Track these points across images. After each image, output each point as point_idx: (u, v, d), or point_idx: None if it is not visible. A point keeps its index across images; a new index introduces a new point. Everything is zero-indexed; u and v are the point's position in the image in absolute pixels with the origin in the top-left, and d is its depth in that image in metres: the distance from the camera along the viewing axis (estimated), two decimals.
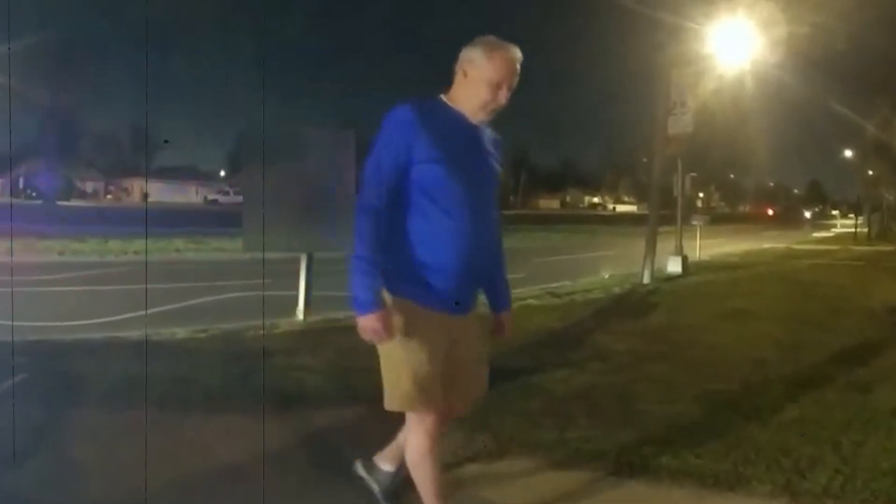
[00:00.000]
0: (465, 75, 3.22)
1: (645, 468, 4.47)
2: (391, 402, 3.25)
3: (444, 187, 3.12)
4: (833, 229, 57.22)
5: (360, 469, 3.85)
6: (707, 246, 24.00)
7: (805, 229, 56.17)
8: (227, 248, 19.91)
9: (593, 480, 4.31)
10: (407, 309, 3.14)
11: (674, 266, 17.05)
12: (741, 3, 18.02)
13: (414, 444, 3.33)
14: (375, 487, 3.77)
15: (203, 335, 7.94)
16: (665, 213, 17.95)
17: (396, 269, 3.15)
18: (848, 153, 60.39)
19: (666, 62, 16.66)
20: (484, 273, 3.38)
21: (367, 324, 3.07)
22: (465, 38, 3.22)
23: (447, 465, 4.03)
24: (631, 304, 11.80)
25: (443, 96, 3.29)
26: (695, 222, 22.95)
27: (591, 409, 5.59)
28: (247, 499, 3.94)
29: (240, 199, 12.54)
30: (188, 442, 4.76)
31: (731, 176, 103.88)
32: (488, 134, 3.37)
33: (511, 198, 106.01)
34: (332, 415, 5.43)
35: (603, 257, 20.17)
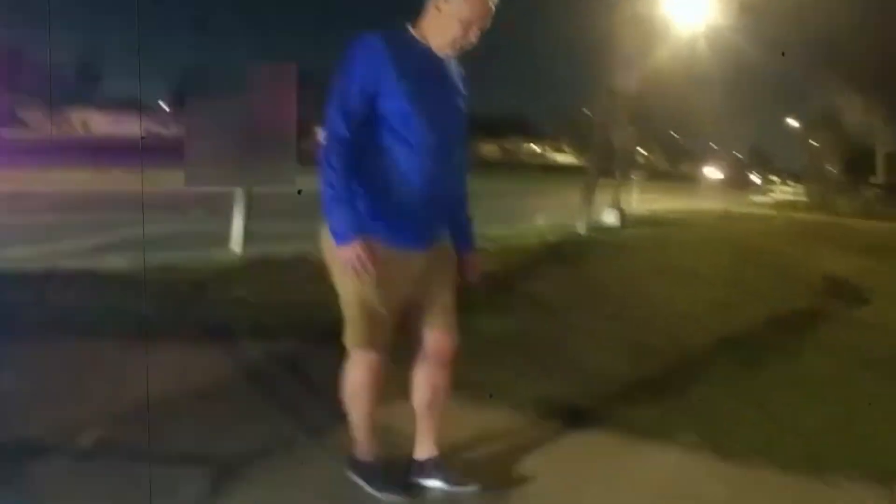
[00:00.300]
0: (439, 10, 3.25)
1: (570, 413, 4.72)
2: (346, 338, 3.42)
3: (410, 121, 3.17)
4: (772, 195, 58.61)
5: (419, 478, 3.73)
6: (645, 201, 24.57)
7: (747, 193, 57.45)
8: (167, 181, 19.63)
9: (518, 421, 4.54)
10: (369, 249, 3.17)
11: (610, 218, 17.46)
12: None
13: (354, 377, 3.47)
14: (444, 485, 3.69)
15: (140, 267, 7.83)
16: (605, 167, 18.23)
17: (364, 206, 3.20)
18: (793, 122, 61.96)
19: (617, 18, 16.88)
20: (448, 210, 3.47)
21: (350, 252, 3.12)
22: None
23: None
24: (564, 254, 12.09)
25: (410, 28, 3.32)
26: (633, 177, 23.42)
27: (521, 354, 5.83)
28: (183, 429, 4.08)
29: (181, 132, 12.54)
30: (116, 374, 4.79)
31: (676, 136, 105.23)
32: (455, 68, 3.43)
33: None
34: (266, 347, 5.57)
35: (540, 206, 20.36)
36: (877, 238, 21.87)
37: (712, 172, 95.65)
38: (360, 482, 3.58)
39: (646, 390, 5.29)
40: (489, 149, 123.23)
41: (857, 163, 60.29)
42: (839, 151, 60.53)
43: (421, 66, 3.24)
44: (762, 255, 14.80)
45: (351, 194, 3.15)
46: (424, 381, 3.62)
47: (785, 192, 55.12)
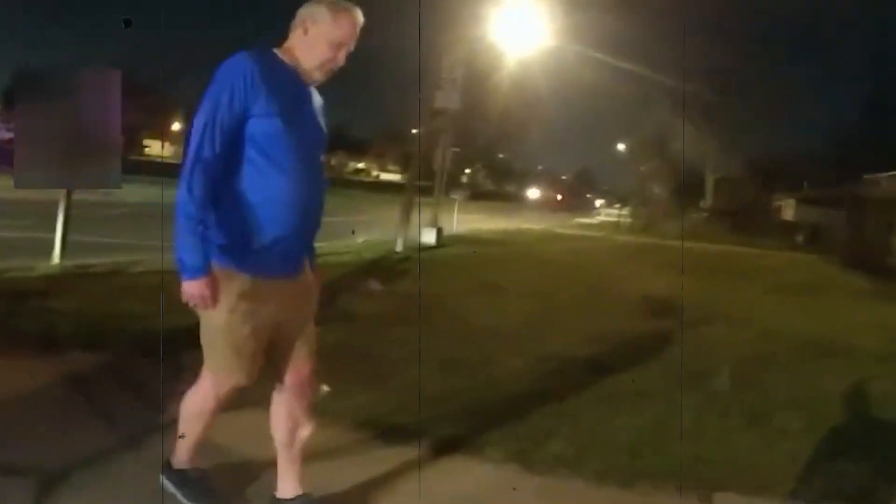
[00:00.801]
0: (306, 32, 3.32)
1: (378, 428, 4.84)
2: (206, 363, 3.45)
3: (279, 143, 3.21)
4: (597, 217, 61.13)
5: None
6: (467, 221, 25.40)
7: (572, 214, 59.71)
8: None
9: (328, 436, 4.52)
10: (236, 281, 3.23)
11: (428, 237, 17.91)
12: None
13: (200, 396, 3.51)
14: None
15: None
16: (427, 185, 18.64)
17: (228, 238, 3.23)
18: (621, 146, 65.26)
19: (442, 38, 17.41)
20: (312, 234, 3.54)
21: (193, 290, 3.15)
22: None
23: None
24: (381, 270, 12.41)
25: (276, 51, 3.37)
26: (454, 196, 24.25)
27: (333, 368, 5.78)
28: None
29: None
30: None
31: (500, 156, 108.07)
32: (316, 96, 3.50)
33: None
34: (80, 358, 5.80)
35: (360, 222, 20.77)
36: (701, 259, 23.19)
37: (537, 193, 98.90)
38: (174, 490, 3.63)
39: (455, 404, 5.41)
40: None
41: (686, 188, 63.83)
42: (668, 177, 63.99)
43: (288, 88, 3.29)
44: (580, 273, 15.57)
45: (203, 228, 3.15)
46: (286, 414, 3.62)
47: (611, 214, 57.50)
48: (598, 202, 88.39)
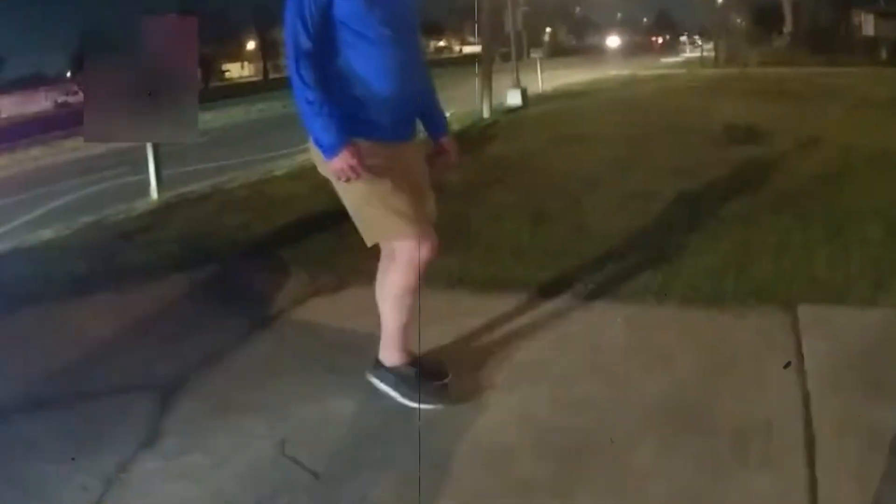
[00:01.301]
0: None
1: (473, 282, 5.02)
2: (377, 235, 3.46)
3: (370, 20, 3.23)
4: (682, 55, 59.36)
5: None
6: (553, 78, 24.93)
7: (656, 56, 58.21)
8: (81, 147, 20.52)
9: (426, 298, 4.62)
10: (361, 147, 3.23)
11: (513, 99, 17.71)
12: None
13: (399, 279, 3.46)
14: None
15: (68, 231, 8.19)
16: (505, 51, 18.39)
17: (341, 109, 3.23)
18: None
19: None
20: (419, 98, 3.54)
21: (340, 164, 3.18)
22: None
23: (294, 301, 5.09)
24: (469, 137, 12.40)
25: None
26: (534, 55, 23.83)
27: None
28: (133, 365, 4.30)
29: None
30: (65, 328, 5.01)
31: (577, 9, 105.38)
32: None
33: None
34: (200, 275, 5.96)
35: (449, 97, 20.57)
36: (782, 82, 22.37)
37: (617, 42, 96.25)
38: (389, 390, 3.57)
39: (545, 251, 5.52)
40: None
41: (765, 14, 61.41)
42: (745, 5, 61.58)
43: None
44: (663, 110, 15.20)
45: (328, 105, 3.18)
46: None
47: (695, 51, 55.75)
48: (682, 38, 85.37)
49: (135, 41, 8.47)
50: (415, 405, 3.46)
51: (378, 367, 3.62)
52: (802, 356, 3.78)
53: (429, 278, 4.78)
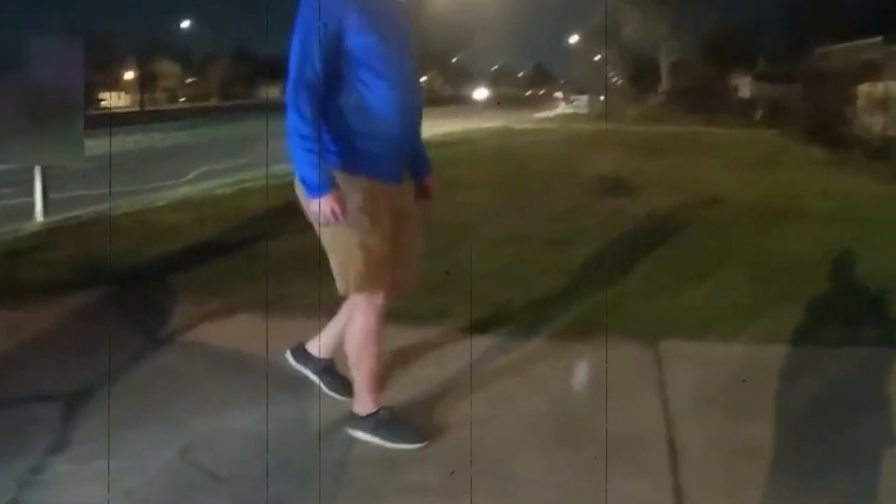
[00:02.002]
0: None
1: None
2: (346, 286, 3.55)
3: (378, 53, 3.38)
4: (555, 110, 61.27)
5: (291, 359, 4.10)
6: (426, 127, 25.39)
7: (530, 110, 59.89)
8: None
9: (311, 325, 5.04)
10: (359, 185, 3.38)
11: None
12: None
13: (362, 326, 3.63)
14: (315, 378, 4.04)
15: None
16: None
17: (342, 145, 3.39)
18: (575, 38, 65.58)
19: None
20: (416, 139, 3.73)
21: (322, 206, 3.26)
22: None
23: (186, 324, 5.40)
24: None
25: None
26: None
27: (307, 270, 6.33)
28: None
29: None
30: None
31: (454, 60, 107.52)
32: (403, 11, 3.71)
33: (232, 89, 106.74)
34: (93, 296, 6.23)
35: None
36: (657, 139, 23.90)
37: (494, 93, 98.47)
38: (370, 437, 3.67)
39: (422, 286, 5.93)
40: (272, 91, 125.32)
41: (642, 72, 64.10)
42: (622, 63, 64.20)
43: (380, 4, 3.49)
44: (535, 162, 15.96)
45: (320, 144, 3.29)
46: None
47: (569, 106, 57.77)
48: (557, 94, 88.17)
49: (19, 61, 8.57)
50: (398, 447, 3.63)
51: (354, 418, 3.76)
52: (665, 384, 4.39)
53: (310, 307, 5.15)
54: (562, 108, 62.68)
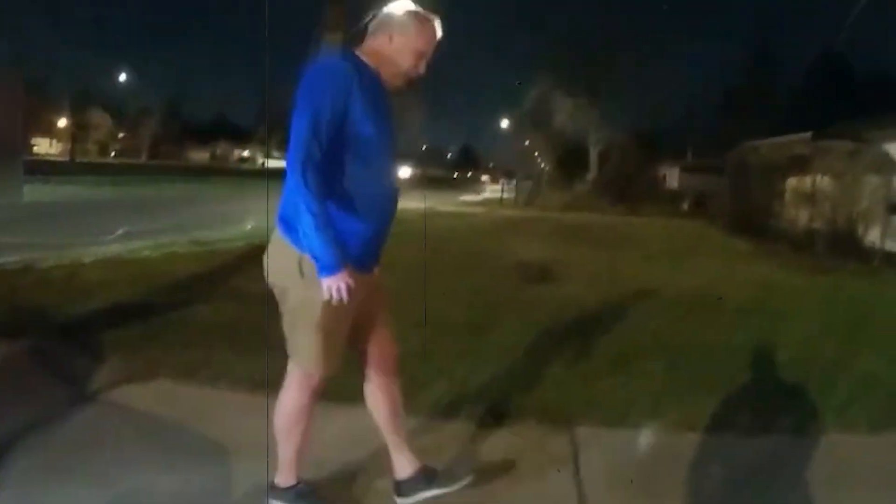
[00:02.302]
0: (391, 40, 3.66)
1: (275, 386, 5.40)
2: (295, 358, 3.72)
3: (374, 145, 3.50)
4: (482, 194, 61.99)
5: (407, 499, 4.11)
6: None
7: (456, 192, 60.62)
8: None
9: (231, 395, 5.47)
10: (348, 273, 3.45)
11: None
12: None
13: (294, 398, 3.77)
14: (437, 490, 4.10)
15: None
16: None
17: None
18: (505, 122, 66.86)
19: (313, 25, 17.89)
20: (389, 230, 3.79)
21: (335, 283, 3.36)
22: None
23: (109, 383, 5.56)
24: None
25: (360, 54, 3.65)
26: None
27: (231, 340, 6.76)
28: None
29: None
30: None
31: None
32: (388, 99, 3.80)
33: (161, 147, 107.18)
34: (17, 348, 6.43)
35: (248, 209, 21.44)
36: (581, 228, 24.57)
37: (421, 173, 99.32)
38: None
39: (346, 370, 6.09)
40: (199, 155, 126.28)
41: (571, 160, 65.39)
42: (550, 150, 65.44)
43: (376, 93, 3.56)
44: (457, 246, 16.22)
45: (331, 220, 3.37)
46: (383, 395, 4.06)
47: (495, 189, 58.50)
48: (484, 178, 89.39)
49: None
50: None
51: (275, 489, 3.90)
52: (578, 468, 4.57)
53: (231, 377, 5.73)
54: (488, 192, 63.41)
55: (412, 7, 3.71)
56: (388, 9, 3.72)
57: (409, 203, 34.97)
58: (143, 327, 7.04)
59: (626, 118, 60.64)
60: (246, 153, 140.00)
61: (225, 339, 6.81)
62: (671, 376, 6.46)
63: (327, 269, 3.35)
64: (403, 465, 4.11)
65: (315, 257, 3.37)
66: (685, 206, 44.63)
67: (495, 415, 5.33)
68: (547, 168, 65.75)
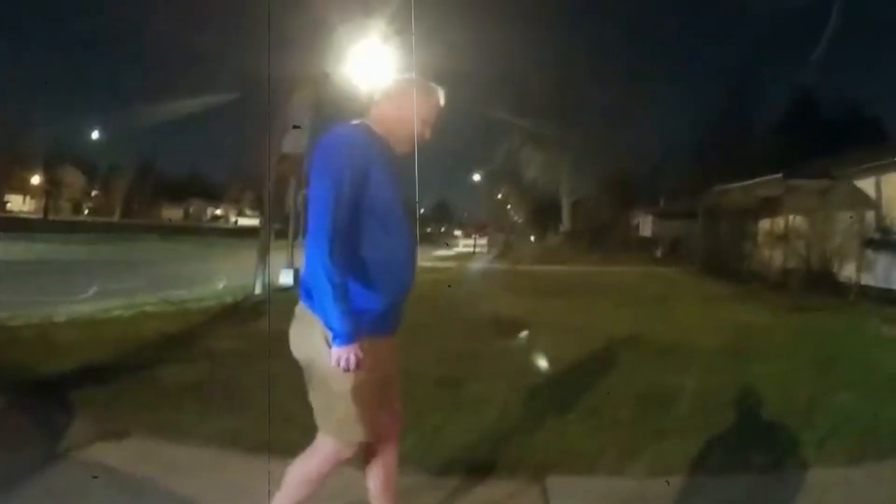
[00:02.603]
0: (399, 108, 3.78)
1: (244, 444, 5.70)
2: (329, 429, 3.72)
3: (393, 211, 3.57)
4: (455, 248, 62.11)
5: None
6: None
7: (429, 247, 60.71)
8: None
9: (200, 454, 5.51)
10: (362, 346, 3.48)
11: (285, 278, 18.44)
12: (371, 26, 20.32)
13: (319, 466, 3.78)
14: None
15: None
16: (284, 228, 19.41)
17: (352, 302, 3.47)
18: (477, 177, 67.44)
19: (286, 81, 18.08)
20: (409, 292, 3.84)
21: (345, 354, 3.40)
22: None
23: (82, 442, 5.58)
24: (241, 312, 13.18)
25: (369, 123, 3.76)
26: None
27: (200, 399, 6.85)
28: None
29: None
30: None
31: None
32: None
33: (135, 206, 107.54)
34: None
35: (220, 269, 21.63)
36: (554, 280, 24.73)
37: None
38: None
39: (310, 420, 6.10)
40: (172, 214, 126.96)
41: (544, 212, 65.80)
42: (522, 203, 65.91)
43: (390, 160, 3.66)
44: (430, 301, 16.21)
45: (348, 292, 3.42)
46: (382, 463, 4.05)
47: (468, 244, 58.76)
48: (457, 232, 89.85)
49: None
50: None
51: None
52: None
53: (201, 435, 5.77)
54: (461, 246, 63.60)
55: (416, 78, 3.87)
56: (393, 80, 3.90)
57: None
58: (114, 386, 7.05)
59: (598, 168, 61.10)
60: (219, 211, 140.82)
61: (195, 397, 6.86)
62: (643, 423, 6.47)
63: (340, 338, 3.39)
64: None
65: (330, 327, 3.41)
66: (659, 252, 44.89)
67: (467, 468, 5.31)
68: (520, 221, 66.18)
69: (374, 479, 4.08)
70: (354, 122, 3.76)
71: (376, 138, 3.65)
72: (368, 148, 3.53)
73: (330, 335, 3.45)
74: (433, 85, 3.88)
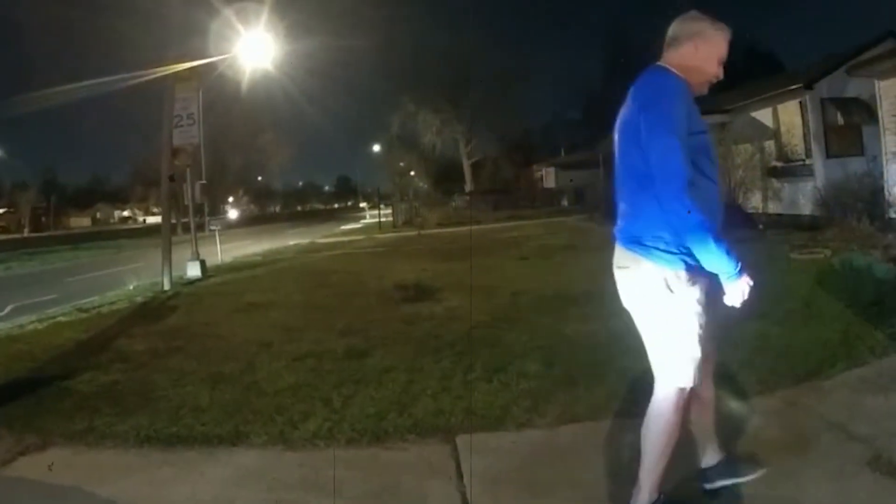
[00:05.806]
0: (696, 49, 3.69)
1: (159, 439, 5.73)
2: (676, 376, 3.65)
3: (707, 156, 3.58)
4: (362, 221, 61.95)
5: (712, 484, 4.12)
6: (233, 248, 26.63)
7: (338, 222, 60.56)
8: None
9: (119, 455, 5.53)
10: (700, 281, 3.54)
11: (193, 270, 18.46)
12: (253, 13, 20.27)
13: (675, 419, 3.68)
14: (740, 478, 4.10)
15: None
16: (186, 221, 19.33)
17: (683, 245, 3.50)
18: (377, 147, 67.48)
19: (171, 75, 17.91)
20: None
21: (743, 285, 3.43)
22: None
23: (2, 459, 5.56)
24: (151, 310, 13.19)
25: (668, 66, 3.70)
26: (212, 227, 25.12)
27: (115, 401, 6.84)
28: None
29: None
30: None
31: (259, 178, 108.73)
32: None
33: (43, 219, 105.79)
34: None
35: (131, 270, 21.72)
36: (456, 240, 25.38)
37: (301, 209, 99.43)
38: None
39: (221, 409, 6.31)
40: (80, 221, 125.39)
41: (445, 175, 65.99)
42: (426, 168, 66.01)
43: (695, 104, 3.62)
44: (342, 275, 16.40)
45: (662, 244, 3.50)
46: (705, 389, 3.92)
47: (374, 215, 58.62)
48: (362, 204, 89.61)
49: None
50: None
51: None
52: (461, 476, 4.65)
53: (118, 436, 5.82)
54: (368, 218, 63.43)
55: (705, 16, 3.78)
56: (682, 21, 3.80)
57: (290, 240, 35.03)
58: (33, 399, 7.03)
59: (495, 127, 61.45)
60: (126, 213, 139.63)
61: (110, 400, 6.86)
62: (550, 373, 6.57)
63: (736, 274, 3.41)
64: (711, 455, 4.14)
65: (720, 266, 3.41)
66: (565, 202, 45.43)
67: (374, 434, 5.43)
68: (424, 186, 66.24)
69: (704, 413, 4.06)
70: (660, 65, 3.74)
71: (686, 84, 3.62)
72: (688, 96, 3.55)
73: (671, 282, 3.51)
74: (719, 22, 3.78)
